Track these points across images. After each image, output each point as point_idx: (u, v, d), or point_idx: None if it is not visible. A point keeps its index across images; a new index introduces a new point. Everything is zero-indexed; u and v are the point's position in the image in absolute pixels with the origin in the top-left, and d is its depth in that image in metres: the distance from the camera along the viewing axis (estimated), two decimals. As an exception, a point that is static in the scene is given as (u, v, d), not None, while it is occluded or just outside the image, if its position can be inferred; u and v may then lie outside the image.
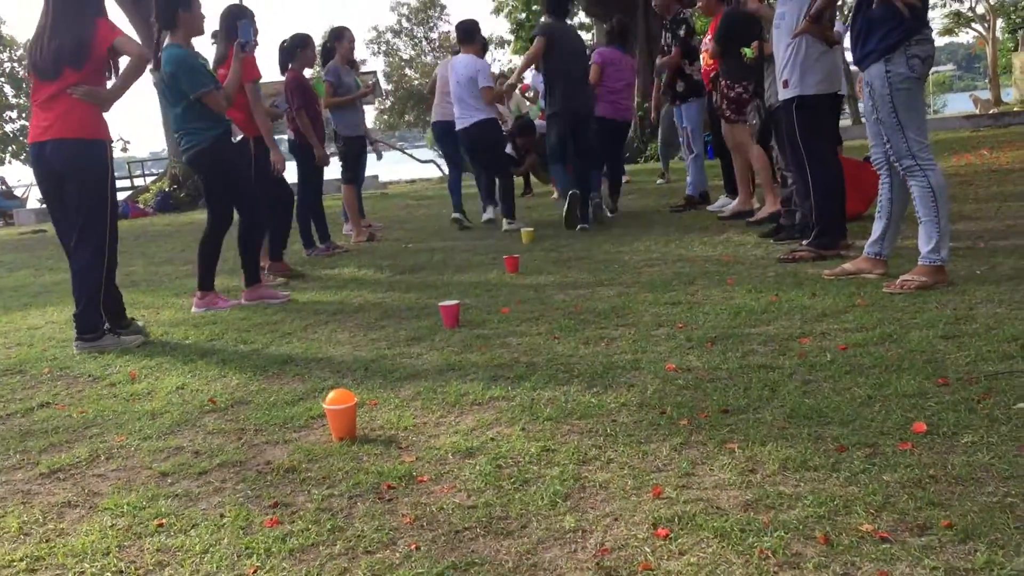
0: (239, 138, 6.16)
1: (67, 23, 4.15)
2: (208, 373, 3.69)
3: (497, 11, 34.71)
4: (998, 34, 41.86)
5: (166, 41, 4.86)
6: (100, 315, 4.35)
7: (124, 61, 4.30)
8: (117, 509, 2.31)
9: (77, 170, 4.21)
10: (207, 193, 5.18)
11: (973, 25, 42.54)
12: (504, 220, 7.72)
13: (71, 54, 4.12)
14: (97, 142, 4.27)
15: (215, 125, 4.95)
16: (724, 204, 7.53)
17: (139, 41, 4.27)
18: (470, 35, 7.99)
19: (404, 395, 3.11)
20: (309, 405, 3.08)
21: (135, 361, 4.02)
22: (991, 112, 26.33)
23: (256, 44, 5.46)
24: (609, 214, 7.86)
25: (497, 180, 7.93)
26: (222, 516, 2.21)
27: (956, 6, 38.95)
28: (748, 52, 6.24)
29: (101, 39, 4.13)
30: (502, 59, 36.81)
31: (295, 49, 7.05)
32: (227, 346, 4.21)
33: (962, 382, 2.66)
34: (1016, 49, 39.33)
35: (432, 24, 37.82)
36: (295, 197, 6.73)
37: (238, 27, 5.44)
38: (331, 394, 2.73)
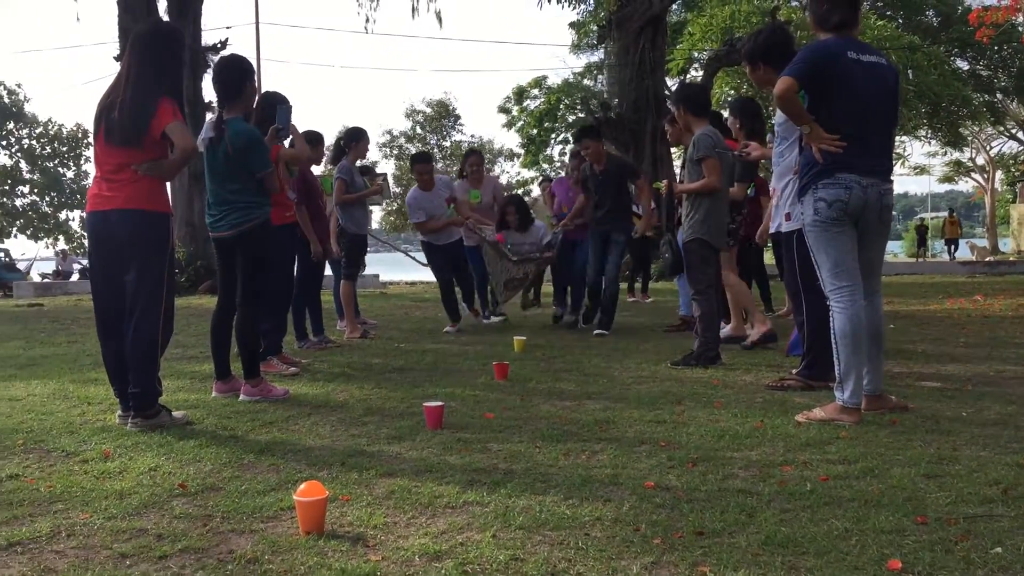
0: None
1: (141, 98, 4.19)
2: (183, 457, 3.64)
3: (509, 126, 35.64)
4: (997, 185, 42.87)
5: (224, 114, 4.90)
6: (158, 392, 4.30)
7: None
8: (70, 587, 2.26)
9: (143, 241, 4.22)
10: (250, 270, 4.93)
11: (973, 175, 43.58)
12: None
13: (136, 131, 4.17)
14: (162, 215, 4.32)
15: (268, 203, 5.00)
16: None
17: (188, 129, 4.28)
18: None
19: (377, 493, 3.06)
20: (280, 496, 3.03)
21: (111, 440, 3.97)
22: (987, 260, 26.71)
23: (290, 132, 5.59)
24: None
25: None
26: (176, 602, 2.15)
27: (957, 155, 39.96)
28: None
29: (157, 123, 4.15)
30: (510, 171, 37.56)
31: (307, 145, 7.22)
32: (206, 431, 4.17)
33: (941, 522, 2.63)
34: (1015, 201, 40.22)
35: (445, 132, 38.71)
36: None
37: (278, 112, 5.58)
38: (302, 486, 2.69)
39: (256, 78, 5.05)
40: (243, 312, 4.96)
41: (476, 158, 9.68)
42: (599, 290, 7.99)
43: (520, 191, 29.80)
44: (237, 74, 4.97)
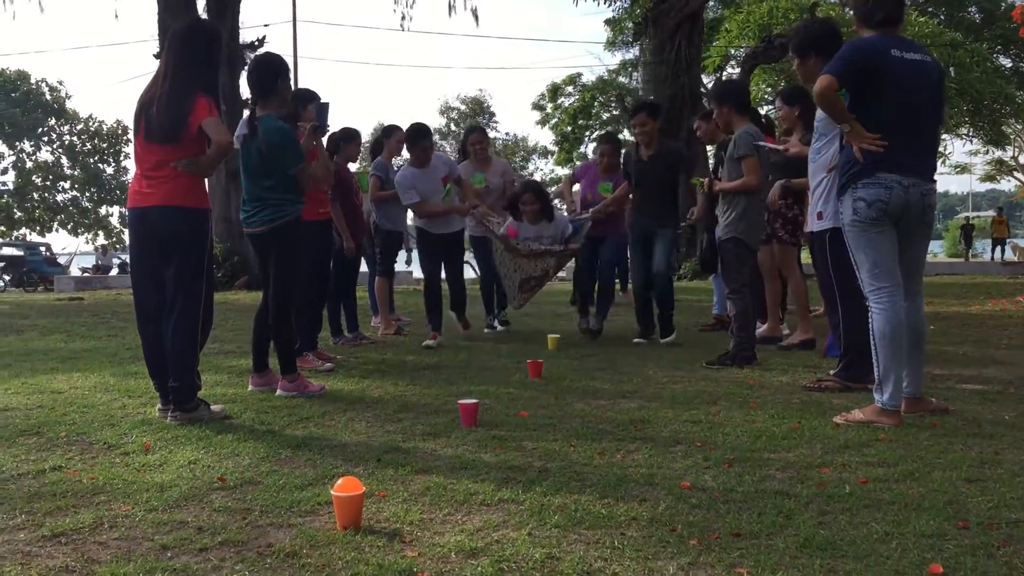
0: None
1: (177, 95, 4.25)
2: (222, 450, 3.68)
3: (543, 123, 35.60)
4: (1040, 184, 42.08)
5: (258, 111, 4.95)
6: (197, 386, 4.37)
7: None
8: (113, 578, 2.29)
9: (182, 237, 4.29)
10: (283, 266, 4.97)
11: (1015, 174, 42.84)
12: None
13: (173, 127, 4.23)
14: (201, 211, 4.38)
15: (300, 200, 5.04)
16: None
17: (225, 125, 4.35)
18: None
19: (413, 489, 3.08)
20: (318, 491, 3.05)
21: (152, 433, 4.02)
22: (1029, 260, 26.24)
23: (328, 129, 5.60)
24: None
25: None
26: (216, 595, 2.17)
27: (999, 154, 39.33)
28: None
29: (195, 119, 4.22)
30: (544, 168, 37.59)
31: (339, 142, 7.28)
32: (244, 425, 4.21)
33: (983, 527, 2.59)
34: (1058, 200, 39.48)
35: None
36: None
37: (317, 110, 5.63)
38: (339, 481, 2.71)
39: (292, 76, 5.08)
40: (276, 308, 5.01)
41: (479, 135, 8.39)
42: (648, 299, 7.09)
43: (553, 190, 29.78)
44: (271, 72, 5.02)
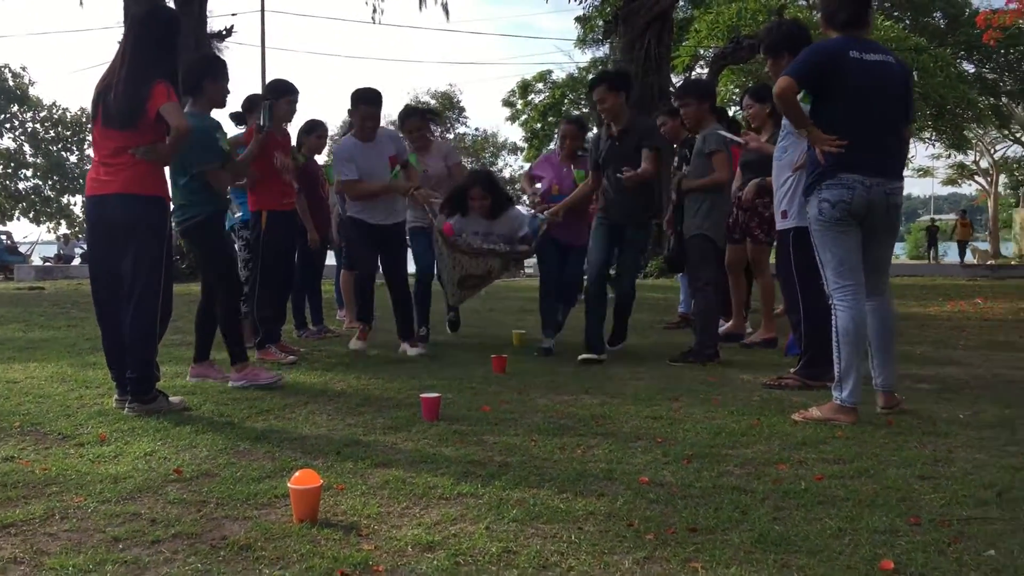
0: (237, 216, 6.35)
1: (135, 80, 4.18)
2: (179, 442, 3.64)
3: (513, 119, 35.58)
4: (1000, 189, 42.79)
5: (187, 108, 4.89)
6: (155, 377, 4.32)
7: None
8: (62, 570, 2.26)
9: (140, 226, 4.23)
10: (207, 267, 5.09)
11: (976, 178, 43.52)
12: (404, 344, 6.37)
13: (131, 113, 4.17)
14: (160, 199, 4.33)
15: (212, 200, 4.97)
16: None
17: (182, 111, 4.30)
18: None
19: (372, 482, 3.06)
20: (275, 483, 3.03)
21: (108, 424, 3.97)
22: (988, 263, 26.69)
23: (269, 127, 5.52)
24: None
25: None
26: (168, 587, 2.15)
27: (960, 158, 39.92)
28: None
29: (153, 104, 4.15)
30: (513, 164, 37.62)
31: (302, 134, 7.24)
32: (203, 417, 4.17)
33: (934, 523, 2.63)
34: (1017, 205, 40.22)
35: (450, 125, 38.70)
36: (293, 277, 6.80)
37: (262, 108, 5.59)
38: (297, 474, 2.69)
39: (227, 78, 5.04)
40: (224, 304, 5.03)
41: (417, 121, 7.02)
42: (595, 296, 6.04)
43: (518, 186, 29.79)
44: (198, 72, 5.00)
